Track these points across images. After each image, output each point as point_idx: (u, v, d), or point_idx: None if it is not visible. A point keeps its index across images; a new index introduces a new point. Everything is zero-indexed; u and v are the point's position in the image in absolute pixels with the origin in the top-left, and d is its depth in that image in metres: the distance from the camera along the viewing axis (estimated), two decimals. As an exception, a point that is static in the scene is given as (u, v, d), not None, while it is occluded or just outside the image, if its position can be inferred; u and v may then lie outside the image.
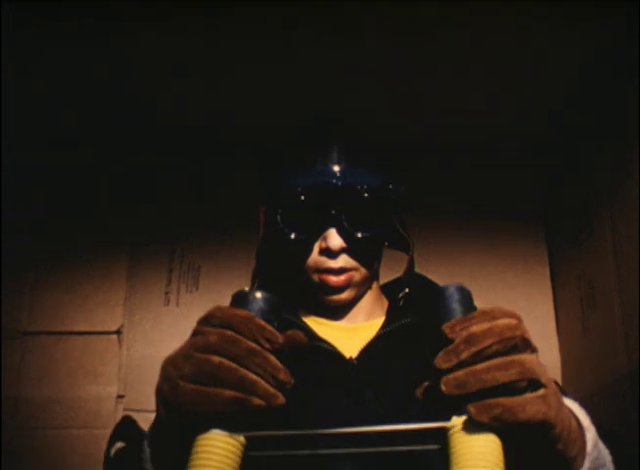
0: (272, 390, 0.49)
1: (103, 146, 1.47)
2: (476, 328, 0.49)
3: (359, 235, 0.75)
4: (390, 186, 0.81)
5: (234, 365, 0.49)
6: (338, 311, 0.80)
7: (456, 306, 0.52)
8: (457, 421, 0.49)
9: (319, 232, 0.76)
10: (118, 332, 1.36)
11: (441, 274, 0.90)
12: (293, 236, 0.76)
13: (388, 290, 0.87)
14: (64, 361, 1.33)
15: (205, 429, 0.50)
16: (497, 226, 1.46)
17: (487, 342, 0.49)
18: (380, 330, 0.77)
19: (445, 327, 0.50)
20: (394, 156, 1.38)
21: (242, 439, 0.50)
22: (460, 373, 0.48)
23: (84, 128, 1.41)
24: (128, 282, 1.41)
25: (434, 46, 1.14)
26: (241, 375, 0.49)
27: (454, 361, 0.48)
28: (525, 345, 0.51)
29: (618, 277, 1.13)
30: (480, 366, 0.48)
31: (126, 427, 0.78)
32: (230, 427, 0.50)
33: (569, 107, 1.31)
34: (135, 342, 1.36)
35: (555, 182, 1.46)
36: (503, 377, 0.47)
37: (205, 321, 0.53)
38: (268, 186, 0.81)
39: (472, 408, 0.47)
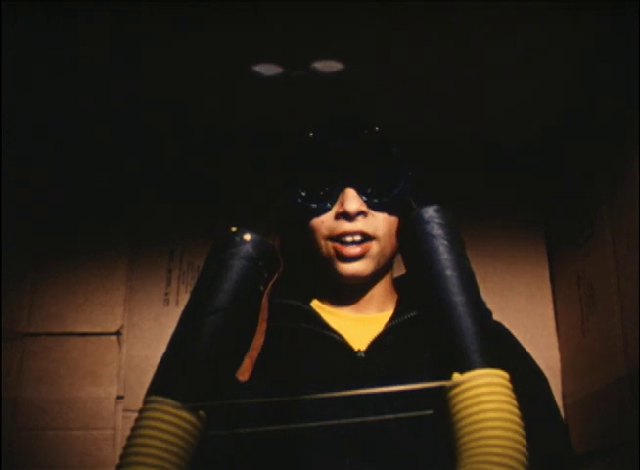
0: None
1: (103, 146, 1.46)
2: None
3: (376, 200, 0.74)
4: (406, 160, 0.80)
5: None
6: (349, 297, 0.79)
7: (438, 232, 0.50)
8: (460, 379, 0.42)
9: (336, 194, 0.74)
10: (118, 333, 1.36)
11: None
12: (310, 197, 0.74)
13: (398, 283, 0.85)
14: (63, 362, 1.33)
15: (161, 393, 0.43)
16: (497, 226, 1.46)
17: None
18: (388, 323, 0.76)
19: None
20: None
21: (201, 413, 0.45)
22: None
23: (84, 129, 1.41)
24: (128, 283, 1.41)
25: (433, 46, 1.14)
26: None
27: None
28: None
29: (618, 277, 1.13)
30: None
31: None
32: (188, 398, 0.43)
33: (568, 107, 1.31)
34: (135, 343, 1.36)
35: (555, 182, 1.46)
36: None
37: None
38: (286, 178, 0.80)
39: None
